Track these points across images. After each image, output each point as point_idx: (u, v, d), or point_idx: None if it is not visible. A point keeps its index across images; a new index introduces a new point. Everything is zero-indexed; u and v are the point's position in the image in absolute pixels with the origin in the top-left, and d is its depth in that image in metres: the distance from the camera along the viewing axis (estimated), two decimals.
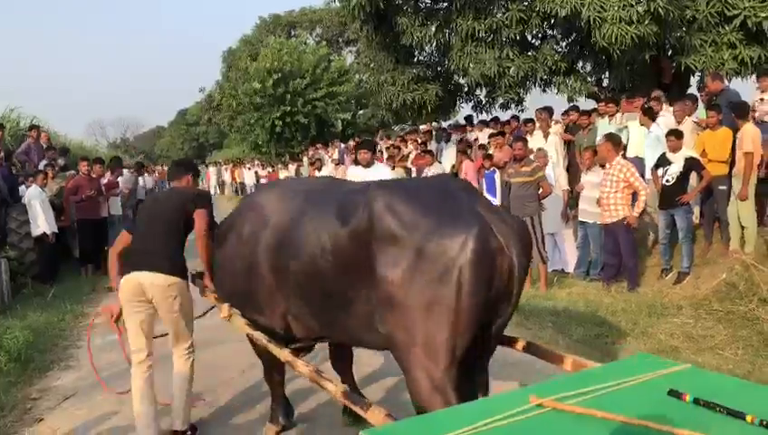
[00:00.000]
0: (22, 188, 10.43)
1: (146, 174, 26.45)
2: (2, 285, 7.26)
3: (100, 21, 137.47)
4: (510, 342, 3.16)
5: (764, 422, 1.62)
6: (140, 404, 3.69)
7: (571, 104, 11.15)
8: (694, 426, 1.62)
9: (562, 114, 11.21)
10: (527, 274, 2.98)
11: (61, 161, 12.47)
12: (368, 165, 6.98)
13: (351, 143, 23.67)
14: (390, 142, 20.18)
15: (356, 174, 6.67)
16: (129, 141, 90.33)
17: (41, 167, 11.08)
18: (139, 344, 3.79)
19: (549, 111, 11.12)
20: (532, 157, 8.20)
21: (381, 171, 6.98)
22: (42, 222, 8.92)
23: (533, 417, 1.84)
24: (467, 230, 2.56)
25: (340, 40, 32.87)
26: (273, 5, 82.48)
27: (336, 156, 23.87)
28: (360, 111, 30.90)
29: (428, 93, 12.79)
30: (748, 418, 1.67)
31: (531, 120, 11.40)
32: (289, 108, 27.18)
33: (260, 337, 3.34)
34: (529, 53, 11.58)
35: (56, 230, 9.42)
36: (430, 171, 11.71)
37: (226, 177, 32.41)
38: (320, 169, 16.98)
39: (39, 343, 6.01)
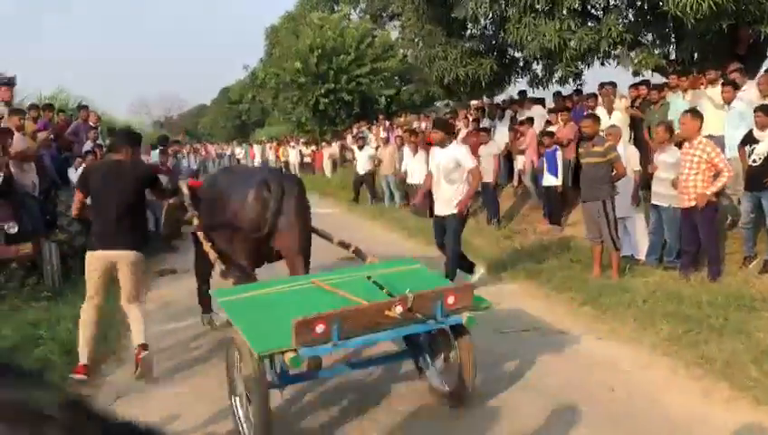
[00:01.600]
0: (71, 169, 10.35)
1: (191, 153, 26.58)
2: (53, 269, 7.11)
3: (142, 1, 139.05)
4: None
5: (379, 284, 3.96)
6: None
7: (641, 78, 10.45)
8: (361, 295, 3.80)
9: (630, 88, 10.52)
10: (300, 208, 5.12)
11: (108, 141, 12.38)
12: (442, 145, 6.98)
13: (399, 120, 23.23)
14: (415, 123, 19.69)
15: (435, 154, 7.22)
16: (172, 119, 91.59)
17: (87, 147, 10.97)
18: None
19: (613, 85, 10.46)
20: (602, 134, 7.61)
21: (458, 150, 6.97)
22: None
23: (303, 288, 4.05)
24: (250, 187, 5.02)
25: (384, 14, 32.13)
26: None
27: (383, 134, 23.47)
28: (404, 87, 30.29)
29: (483, 68, 12.23)
30: (385, 291, 3.82)
31: (593, 95, 10.77)
32: (332, 85, 26.79)
33: (208, 249, 5.09)
34: (590, 25, 10.90)
35: None
36: (485, 149, 11.21)
37: (270, 155, 32.33)
38: (361, 148, 16.48)
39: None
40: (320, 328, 3.31)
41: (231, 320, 3.73)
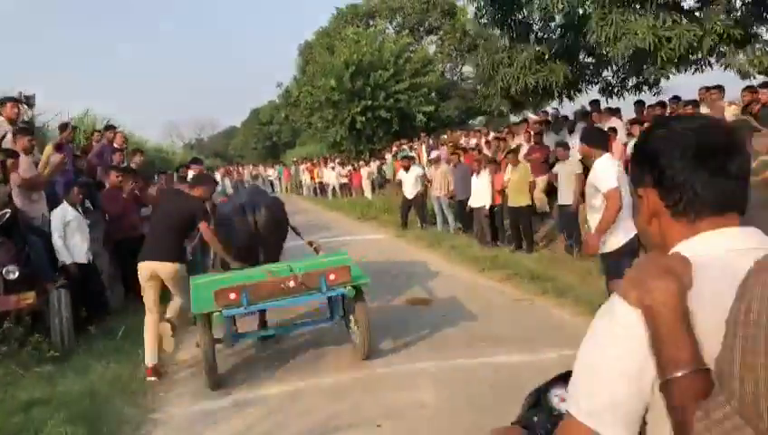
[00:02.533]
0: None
1: (226, 177, 25.42)
2: (61, 323, 5.74)
3: (173, 22, 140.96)
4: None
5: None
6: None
7: (761, 80, 8.82)
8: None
9: (744, 91, 8.91)
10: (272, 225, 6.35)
11: (133, 164, 11.13)
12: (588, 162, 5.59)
13: (444, 137, 21.77)
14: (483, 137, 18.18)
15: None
16: (203, 142, 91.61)
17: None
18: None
19: (719, 88, 8.86)
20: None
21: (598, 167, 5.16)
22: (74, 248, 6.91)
23: (249, 274, 5.42)
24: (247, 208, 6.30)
25: (421, 29, 30.93)
26: None
27: (432, 153, 22.06)
28: (443, 103, 28.93)
29: (555, 74, 10.73)
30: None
31: (693, 102, 9.17)
32: (369, 102, 25.51)
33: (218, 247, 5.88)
34: (684, 21, 9.34)
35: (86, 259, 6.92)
36: (563, 167, 9.67)
37: (304, 177, 31.12)
38: (408, 169, 14.85)
39: (103, 413, 4.41)
40: (232, 295, 4.82)
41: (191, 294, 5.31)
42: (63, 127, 9.51)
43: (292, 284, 5.01)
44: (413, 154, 22.87)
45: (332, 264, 5.55)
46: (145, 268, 5.44)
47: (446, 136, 22.11)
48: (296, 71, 34.78)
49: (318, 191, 29.35)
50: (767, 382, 0.79)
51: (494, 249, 10.47)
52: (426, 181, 14.64)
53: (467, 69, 32.41)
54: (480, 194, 10.91)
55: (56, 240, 6.66)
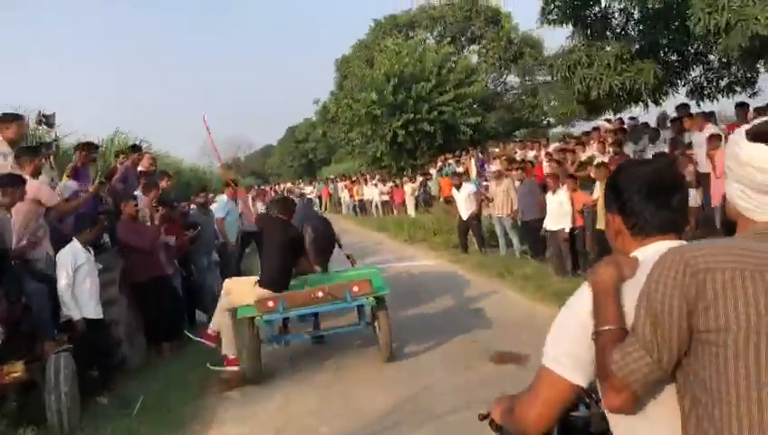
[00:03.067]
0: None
1: (257, 197, 24.24)
2: (58, 400, 4.42)
3: (209, 42, 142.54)
4: None
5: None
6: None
7: None
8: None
9: None
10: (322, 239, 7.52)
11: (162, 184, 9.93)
12: None
13: (495, 150, 20.28)
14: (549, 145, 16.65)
15: None
16: (240, 161, 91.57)
17: (137, 193, 8.51)
18: None
19: None
20: None
21: None
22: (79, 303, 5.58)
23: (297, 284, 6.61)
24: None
25: (463, 38, 29.57)
26: (388, 6, 79.30)
27: (474, 166, 20.54)
28: (488, 115, 27.47)
29: (644, 74, 9.20)
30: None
31: None
32: (411, 115, 24.18)
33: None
34: None
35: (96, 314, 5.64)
36: None
37: (343, 194, 29.89)
38: (459, 187, 13.34)
39: None
40: (270, 304, 5.81)
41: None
42: (82, 147, 8.32)
43: (320, 294, 5.94)
44: (460, 169, 21.47)
45: (356, 277, 6.43)
46: (261, 295, 5.93)
47: (497, 149, 20.62)
48: (333, 86, 33.77)
49: (358, 209, 28.09)
50: (652, 328, 1.28)
51: (577, 280, 8.92)
52: (480, 199, 13.21)
53: (512, 78, 30.95)
54: (558, 215, 9.39)
55: (63, 289, 5.39)
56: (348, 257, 7.87)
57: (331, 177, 47.51)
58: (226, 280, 6.64)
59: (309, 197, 35.57)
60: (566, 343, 1.46)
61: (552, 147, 16.72)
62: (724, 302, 1.23)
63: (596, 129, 13.33)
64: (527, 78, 29.86)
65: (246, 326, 5.96)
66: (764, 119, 1.41)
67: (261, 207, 18.21)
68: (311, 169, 78.32)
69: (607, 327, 1.36)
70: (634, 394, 1.32)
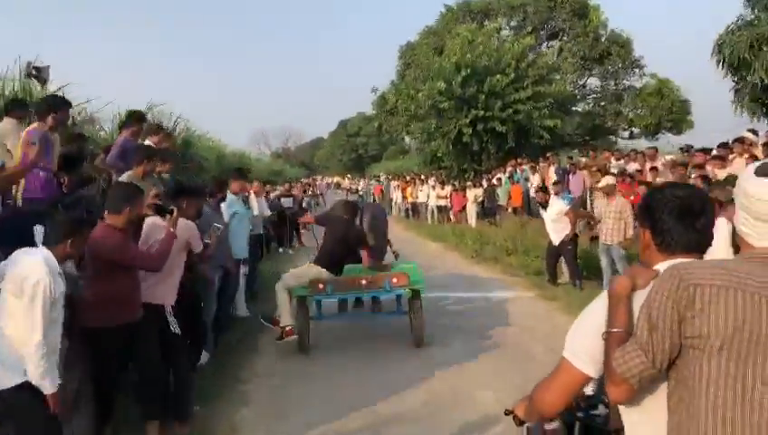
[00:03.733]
0: None
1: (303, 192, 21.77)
2: None
3: (266, 23, 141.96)
4: None
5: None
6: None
7: None
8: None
9: None
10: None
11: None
12: None
13: (582, 160, 17.29)
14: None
15: None
16: (290, 151, 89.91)
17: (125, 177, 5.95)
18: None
19: None
20: None
21: None
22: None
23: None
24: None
25: (543, 31, 26.55)
26: None
27: (553, 176, 17.59)
28: (566, 118, 24.42)
29: None
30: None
31: None
32: (482, 112, 21.33)
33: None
34: None
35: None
36: None
37: (395, 195, 27.25)
38: (545, 206, 10.46)
39: None
40: (321, 286, 6.75)
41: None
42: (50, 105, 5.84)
43: (364, 282, 6.90)
44: (533, 178, 18.53)
45: (396, 271, 7.14)
46: (318, 273, 6.87)
47: (584, 158, 17.62)
48: (395, 75, 31.12)
49: (410, 212, 25.39)
50: (649, 332, 1.48)
51: None
52: (579, 219, 10.34)
53: (593, 81, 27.78)
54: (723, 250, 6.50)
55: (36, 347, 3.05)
56: (394, 253, 8.36)
57: (381, 174, 45.10)
58: (284, 276, 7.04)
59: (360, 193, 33.25)
60: (584, 340, 1.71)
61: (664, 160, 13.76)
62: (708, 313, 1.44)
63: (739, 140, 10.30)
64: (614, 81, 26.70)
65: (299, 304, 6.86)
66: None
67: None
68: (360, 165, 75.98)
69: (615, 329, 1.60)
70: (631, 388, 1.54)
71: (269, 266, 12.37)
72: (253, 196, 12.90)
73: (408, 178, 26.17)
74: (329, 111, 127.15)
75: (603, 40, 25.79)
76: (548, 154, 19.32)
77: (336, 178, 66.10)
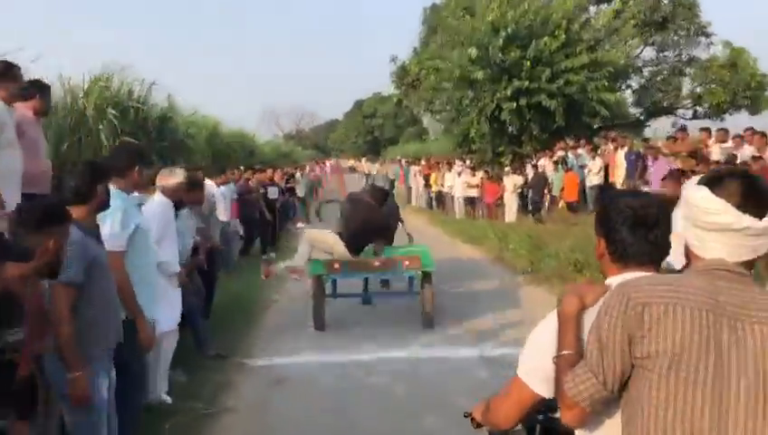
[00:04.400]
0: None
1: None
2: None
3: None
4: None
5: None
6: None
7: None
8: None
9: None
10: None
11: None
12: None
13: (659, 143, 13.42)
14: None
15: None
16: (303, 133, 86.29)
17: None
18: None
19: None
20: None
21: None
22: None
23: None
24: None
25: None
26: None
27: (623, 161, 13.77)
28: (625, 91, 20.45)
29: None
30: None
31: None
32: (526, 82, 17.43)
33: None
34: None
35: None
36: None
37: (416, 182, 23.48)
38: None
39: None
40: (336, 266, 7.07)
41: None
42: None
43: (377, 263, 7.23)
44: (593, 163, 14.72)
45: (408, 253, 7.44)
46: (342, 252, 7.31)
47: (661, 142, 13.72)
48: (417, 43, 26.98)
49: (434, 202, 21.63)
50: (599, 353, 1.45)
51: None
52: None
53: (647, 53, 23.65)
54: None
55: None
56: (408, 236, 8.47)
57: (398, 158, 41.80)
58: (307, 230, 8.30)
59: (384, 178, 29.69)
60: (537, 360, 1.69)
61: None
62: (656, 331, 1.41)
63: None
64: (675, 51, 22.59)
65: (315, 282, 7.15)
66: (717, 168, 1.83)
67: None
68: (375, 148, 72.51)
69: (565, 352, 1.56)
70: (583, 411, 1.51)
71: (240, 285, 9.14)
72: (217, 191, 9.75)
73: (431, 161, 22.32)
74: (345, 93, 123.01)
75: (666, 1, 21.69)
76: (610, 134, 15.50)
77: (351, 161, 62.75)
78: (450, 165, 20.31)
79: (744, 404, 1.36)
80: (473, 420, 2.03)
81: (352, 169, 54.51)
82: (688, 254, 1.59)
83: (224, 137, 19.46)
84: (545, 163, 17.25)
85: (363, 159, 55.45)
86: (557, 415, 1.73)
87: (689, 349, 1.37)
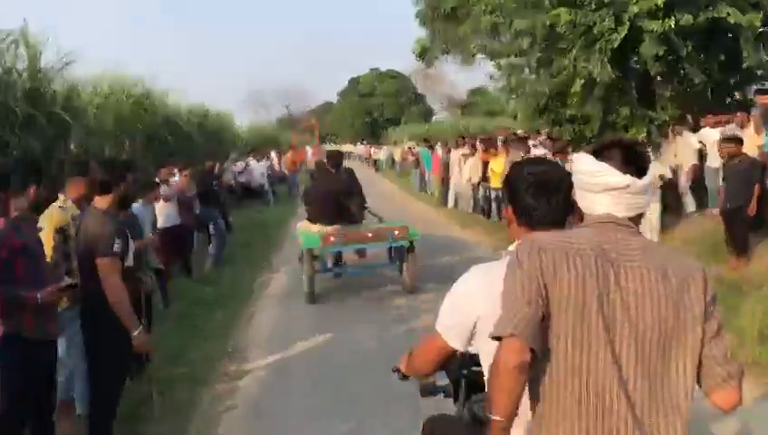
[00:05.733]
0: None
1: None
2: None
3: None
4: None
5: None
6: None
7: None
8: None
9: None
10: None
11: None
12: None
13: None
14: None
15: None
16: (294, 117, 78.14)
17: None
18: None
19: None
20: None
21: None
22: None
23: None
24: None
25: None
26: None
27: None
28: None
29: None
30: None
31: None
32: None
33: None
34: None
35: None
36: None
37: (459, 172, 15.13)
38: None
39: None
40: (332, 238, 7.39)
41: (299, 236, 8.15)
42: None
43: (370, 235, 7.67)
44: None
45: (397, 224, 8.03)
46: (320, 229, 7.78)
47: None
48: None
49: (494, 207, 13.32)
50: (523, 287, 1.58)
51: None
52: None
53: None
54: None
55: None
56: (375, 216, 8.67)
57: (405, 141, 34.35)
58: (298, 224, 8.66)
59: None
60: (455, 318, 1.91)
61: None
62: (554, 274, 1.57)
63: None
64: None
65: (307, 256, 7.49)
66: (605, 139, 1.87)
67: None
68: (374, 130, 64.72)
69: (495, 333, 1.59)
70: (519, 338, 1.52)
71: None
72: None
73: (490, 141, 14.05)
74: (339, 72, 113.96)
75: None
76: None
77: (348, 146, 54.87)
78: (523, 142, 12.20)
79: (630, 343, 1.54)
80: (398, 371, 2.24)
81: (348, 155, 48.19)
82: (581, 216, 1.76)
83: (181, 117, 16.23)
84: (708, 134, 9.58)
85: (359, 143, 47.62)
86: (479, 368, 1.95)
87: (583, 289, 1.55)
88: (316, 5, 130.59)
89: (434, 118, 65.21)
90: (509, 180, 1.95)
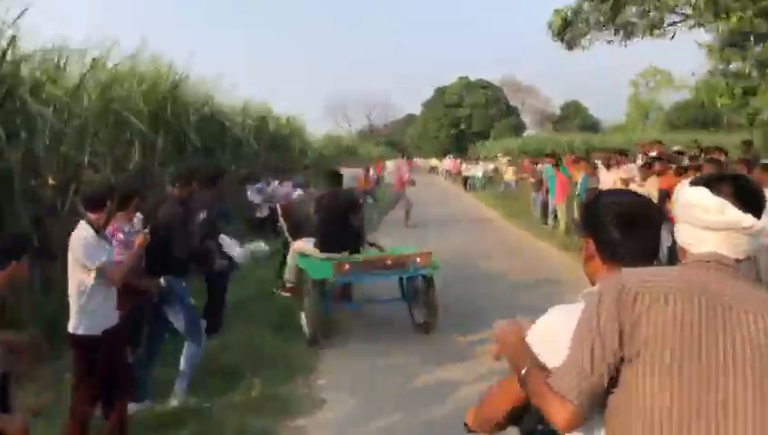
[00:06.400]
0: None
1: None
2: None
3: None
4: None
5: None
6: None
7: None
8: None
9: None
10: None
11: None
12: None
13: None
14: None
15: None
16: (376, 128, 74.92)
17: None
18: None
19: None
20: None
21: None
22: None
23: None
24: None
25: None
26: None
27: None
28: None
29: None
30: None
31: None
32: None
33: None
34: None
35: None
36: None
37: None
38: None
39: None
40: (346, 268, 6.30)
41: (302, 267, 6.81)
42: None
43: (389, 262, 6.56)
44: None
45: (419, 251, 6.97)
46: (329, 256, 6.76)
47: None
48: None
49: (673, 257, 8.58)
50: (579, 345, 1.42)
51: None
52: None
53: None
54: None
55: None
56: (372, 245, 7.87)
57: (497, 154, 29.91)
58: (296, 242, 7.20)
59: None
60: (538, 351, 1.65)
61: None
62: (647, 319, 1.37)
63: None
64: None
65: (315, 288, 6.39)
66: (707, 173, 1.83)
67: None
68: (460, 143, 59.96)
69: (525, 370, 1.54)
70: (573, 408, 1.42)
71: None
72: None
73: (666, 154, 9.23)
74: (421, 83, 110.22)
75: None
76: None
77: (433, 160, 50.78)
78: (717, 162, 7.49)
79: (743, 392, 1.33)
80: (465, 425, 2.04)
81: (432, 170, 44.35)
82: (681, 253, 1.58)
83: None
84: None
85: (446, 157, 43.65)
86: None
87: (681, 337, 1.35)
88: (403, 17, 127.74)
89: (525, 133, 60.46)
90: (591, 210, 1.72)
